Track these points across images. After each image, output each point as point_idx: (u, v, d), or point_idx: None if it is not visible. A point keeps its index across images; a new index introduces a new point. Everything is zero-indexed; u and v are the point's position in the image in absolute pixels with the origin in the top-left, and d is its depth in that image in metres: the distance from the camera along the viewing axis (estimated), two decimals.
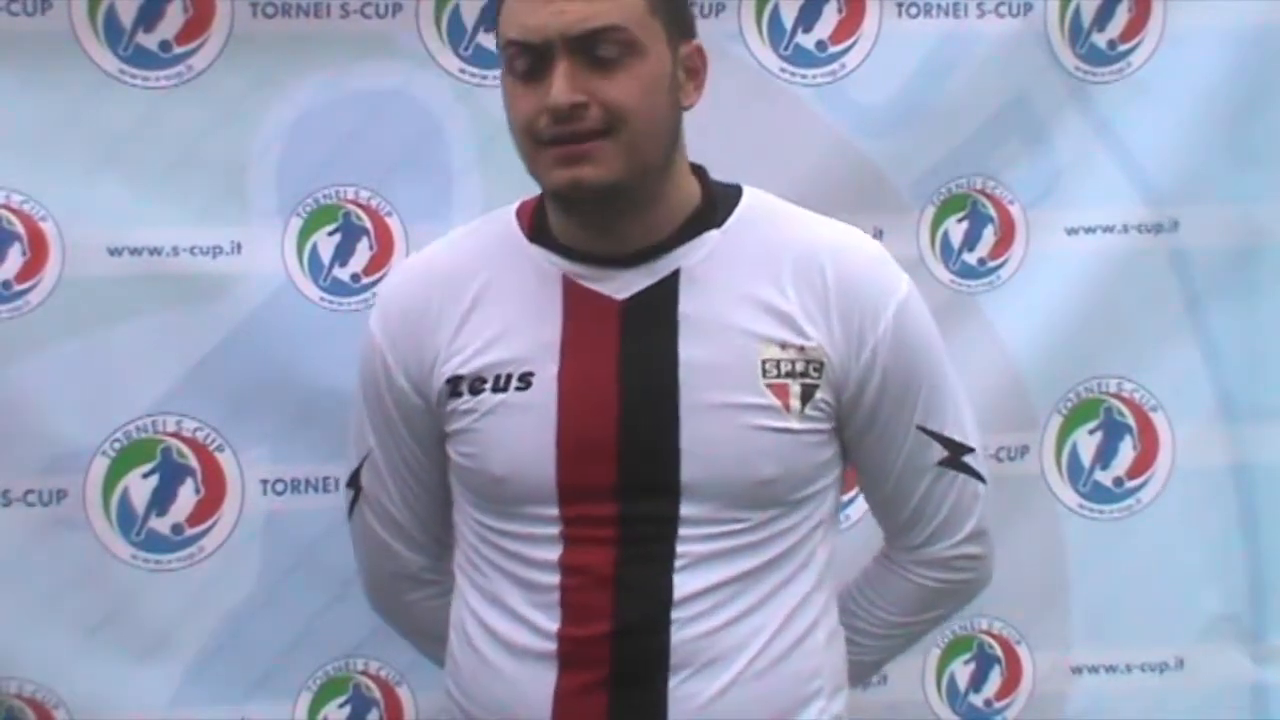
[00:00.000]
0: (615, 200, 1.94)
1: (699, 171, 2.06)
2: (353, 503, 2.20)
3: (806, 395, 1.97)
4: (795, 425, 1.97)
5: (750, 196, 2.05)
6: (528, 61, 1.91)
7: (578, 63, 1.89)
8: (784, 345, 1.97)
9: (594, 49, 1.89)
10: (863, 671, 2.19)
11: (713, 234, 2.01)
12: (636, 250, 1.99)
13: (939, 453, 2.06)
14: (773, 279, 1.99)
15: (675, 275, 1.99)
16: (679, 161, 2.01)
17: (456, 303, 2.03)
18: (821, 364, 1.98)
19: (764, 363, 1.96)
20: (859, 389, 2.00)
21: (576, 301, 2.00)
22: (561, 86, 1.88)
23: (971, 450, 2.08)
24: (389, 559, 2.20)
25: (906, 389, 2.02)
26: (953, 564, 2.12)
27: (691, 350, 1.97)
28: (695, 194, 2.03)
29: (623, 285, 1.99)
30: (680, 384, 1.96)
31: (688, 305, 1.98)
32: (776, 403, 1.96)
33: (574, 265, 2.00)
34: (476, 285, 2.03)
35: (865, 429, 2.03)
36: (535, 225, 2.04)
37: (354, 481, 2.19)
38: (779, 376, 1.97)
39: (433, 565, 2.19)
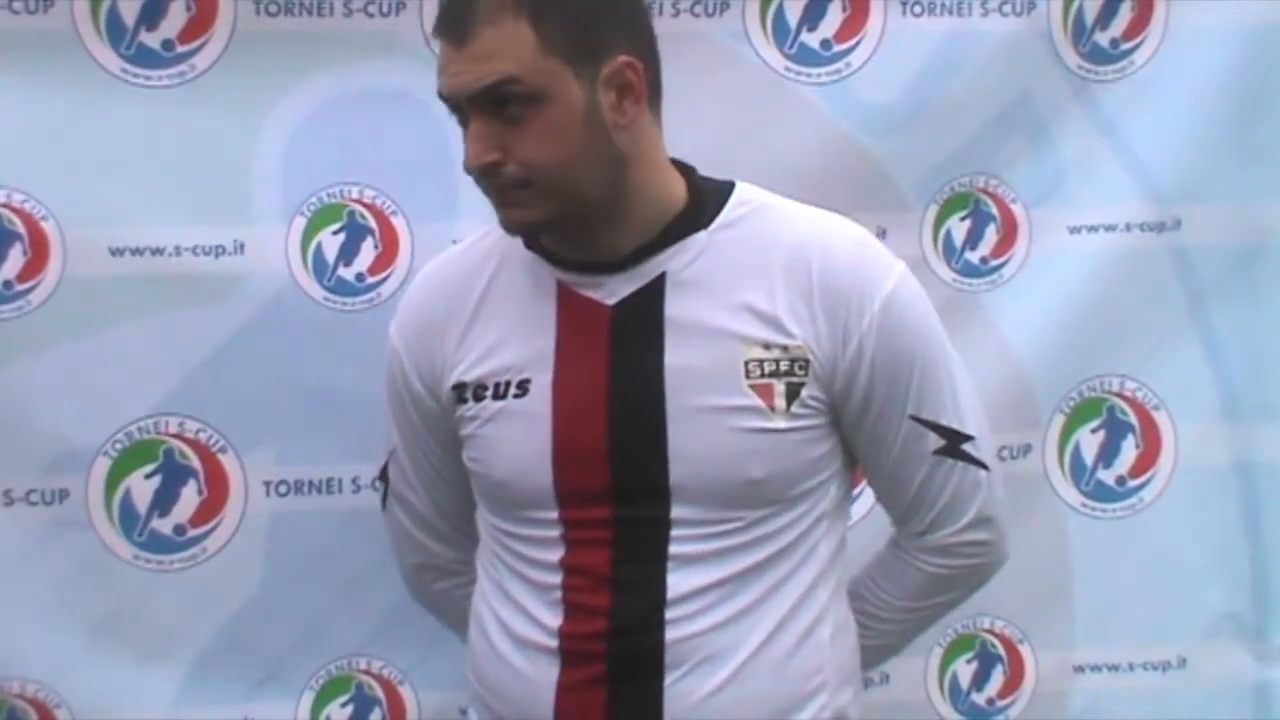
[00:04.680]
0: (561, 229, 1.98)
1: (686, 170, 2.06)
2: (384, 495, 2.26)
3: (792, 394, 1.98)
4: (781, 425, 1.98)
5: (740, 193, 2.05)
6: (454, 112, 1.96)
7: (489, 117, 1.92)
8: (767, 345, 1.98)
9: (498, 102, 1.91)
10: (877, 656, 2.21)
11: (699, 236, 2.01)
12: (623, 255, 2.00)
13: (935, 442, 2.06)
14: (759, 278, 1.99)
15: (661, 279, 2.00)
16: (644, 171, 2.00)
17: (461, 310, 2.07)
18: (807, 361, 1.98)
19: (747, 364, 1.98)
20: (848, 383, 2.00)
21: (570, 308, 2.02)
22: (473, 149, 1.93)
23: (970, 438, 2.08)
24: (415, 550, 2.26)
25: (897, 380, 2.02)
26: (957, 550, 2.12)
27: (677, 354, 1.98)
28: (679, 196, 2.03)
29: (612, 291, 2.01)
30: (666, 388, 1.98)
31: (673, 309, 1.99)
32: (761, 403, 1.97)
33: (567, 272, 2.02)
34: (478, 293, 2.07)
35: (858, 421, 2.03)
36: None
37: (383, 475, 2.25)
38: (763, 376, 1.98)
39: (459, 557, 2.23)
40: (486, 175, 1.94)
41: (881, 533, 2.20)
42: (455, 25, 1.93)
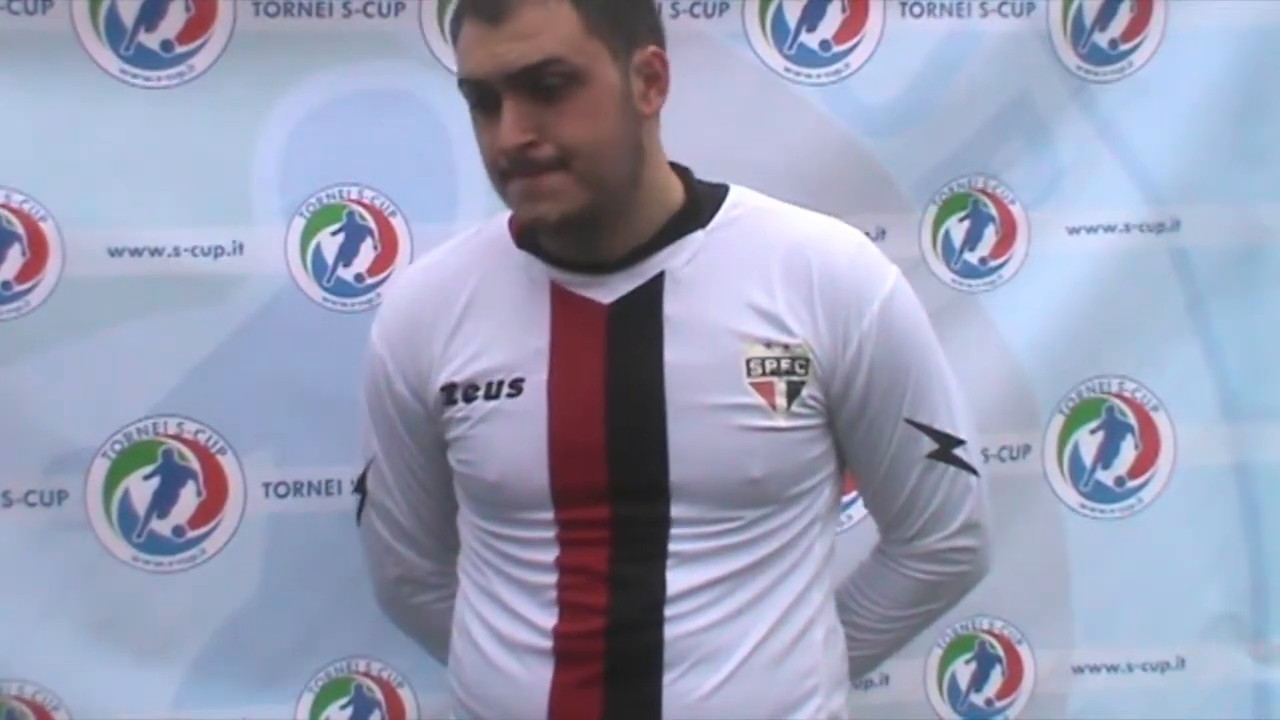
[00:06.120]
0: (583, 223, 1.95)
1: (682, 172, 2.06)
2: (360, 507, 2.23)
3: (793, 392, 1.98)
4: (782, 423, 1.98)
5: (736, 195, 2.06)
6: (479, 97, 1.94)
7: (524, 98, 1.90)
8: (769, 343, 1.98)
9: (537, 82, 1.90)
10: (863, 666, 2.20)
11: (697, 235, 2.02)
12: (621, 255, 2.00)
13: (928, 445, 2.06)
14: (758, 277, 1.99)
15: (660, 277, 2.00)
16: (653, 167, 2.01)
17: (449, 311, 2.06)
18: (807, 360, 1.98)
19: (748, 362, 1.97)
20: (846, 383, 2.00)
21: (564, 307, 2.01)
22: (509, 128, 1.90)
23: (962, 442, 2.08)
24: (395, 563, 2.23)
25: (894, 382, 2.03)
26: (945, 556, 2.12)
27: (676, 352, 1.98)
28: (677, 195, 2.03)
29: (609, 290, 2.00)
30: (666, 386, 1.97)
31: (672, 307, 1.99)
32: (762, 401, 1.97)
33: (561, 271, 2.02)
34: (467, 293, 2.05)
35: (854, 422, 2.03)
36: (524, 232, 2.05)
37: (360, 486, 2.21)
38: (764, 375, 1.97)
39: (438, 569, 2.21)
40: (519, 157, 1.91)
41: (872, 540, 2.20)
42: (493, 4, 1.90)
